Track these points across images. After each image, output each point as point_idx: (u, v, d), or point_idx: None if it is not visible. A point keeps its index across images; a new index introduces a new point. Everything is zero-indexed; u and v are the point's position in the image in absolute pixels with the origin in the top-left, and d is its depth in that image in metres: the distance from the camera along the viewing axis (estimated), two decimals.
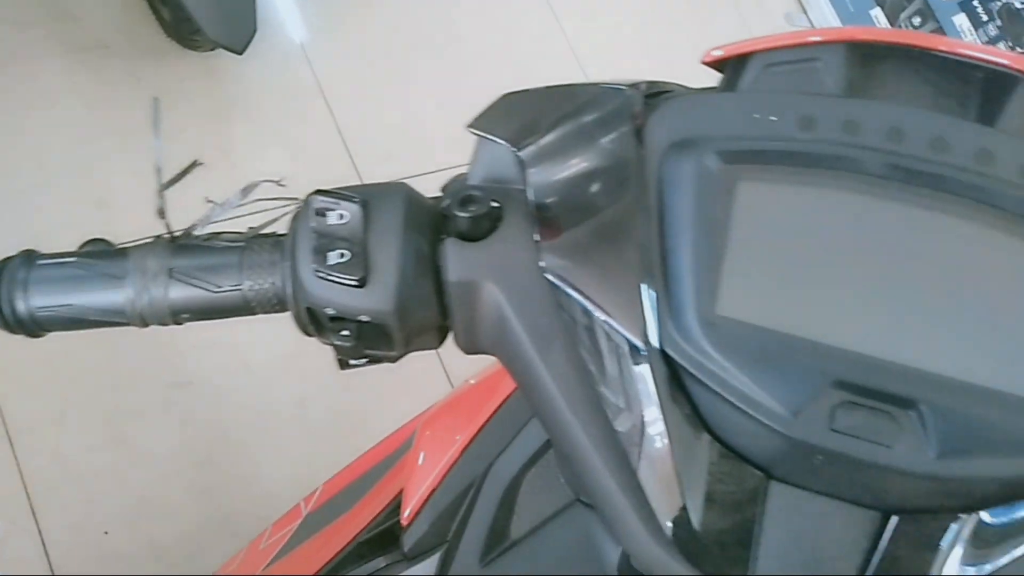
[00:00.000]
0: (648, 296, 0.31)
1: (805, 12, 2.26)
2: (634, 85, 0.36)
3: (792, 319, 0.31)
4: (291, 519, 0.73)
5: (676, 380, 0.31)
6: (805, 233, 0.31)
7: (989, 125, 0.32)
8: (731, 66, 0.36)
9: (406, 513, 0.62)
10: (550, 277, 0.33)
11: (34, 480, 1.16)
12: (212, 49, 1.37)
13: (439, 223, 0.35)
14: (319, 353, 0.39)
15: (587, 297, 0.32)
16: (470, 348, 0.37)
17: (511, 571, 0.56)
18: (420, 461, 0.64)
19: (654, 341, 0.31)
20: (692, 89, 0.36)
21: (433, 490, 0.62)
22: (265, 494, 1.23)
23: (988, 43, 1.99)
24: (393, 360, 0.37)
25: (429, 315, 0.35)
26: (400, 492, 0.63)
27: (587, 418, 0.33)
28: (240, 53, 1.25)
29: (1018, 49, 1.92)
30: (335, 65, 1.59)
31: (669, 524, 0.32)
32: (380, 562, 0.60)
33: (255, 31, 1.27)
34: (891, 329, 0.30)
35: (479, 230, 0.34)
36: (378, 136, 1.57)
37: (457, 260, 0.34)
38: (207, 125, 1.45)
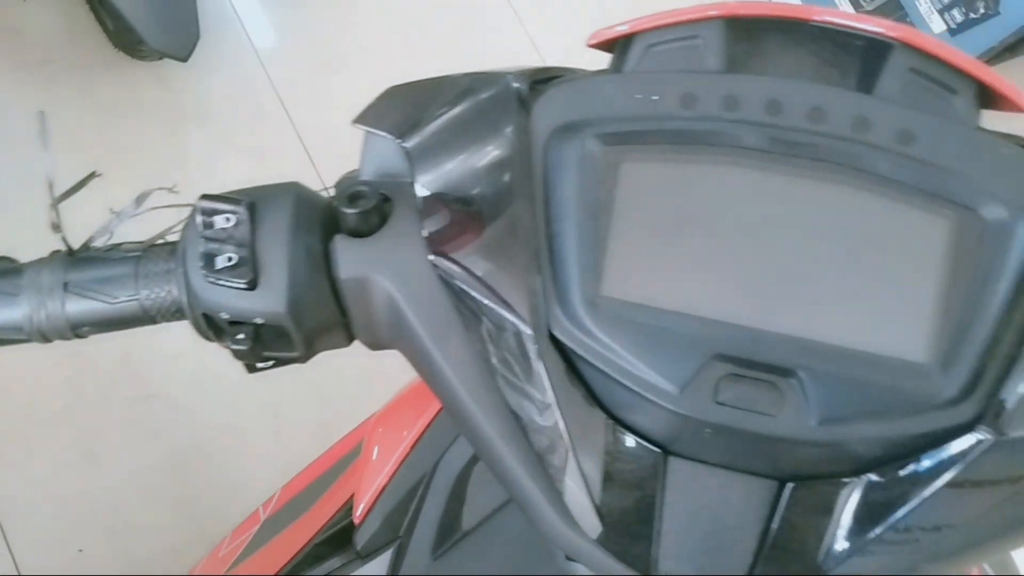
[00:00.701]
0: (535, 282, 0.31)
1: None
2: (523, 72, 0.36)
3: (675, 296, 0.31)
4: (250, 524, 0.73)
5: (569, 363, 0.32)
6: (687, 210, 0.32)
7: (867, 93, 0.33)
8: (618, 48, 0.36)
9: (358, 512, 0.62)
10: (440, 269, 0.33)
11: (3, 502, 1.15)
12: (160, 58, 1.36)
13: (330, 221, 0.35)
14: None
15: (477, 286, 0.32)
16: (373, 344, 0.37)
17: (463, 563, 0.57)
18: (371, 460, 0.65)
19: (542, 327, 0.31)
20: (580, 73, 0.36)
21: (384, 487, 0.63)
22: (241, 504, 1.22)
23: (942, 10, 2.00)
24: (301, 361, 0.37)
25: (326, 314, 0.35)
26: (354, 493, 0.64)
27: (489, 408, 0.33)
28: (185, 60, 1.24)
29: (971, 15, 1.94)
30: (289, 67, 1.58)
31: (577, 507, 0.32)
32: (335, 562, 0.61)
33: (198, 37, 1.26)
34: (771, 300, 0.30)
35: (368, 225, 0.34)
36: (338, 137, 1.56)
37: (347, 257, 0.34)
38: (161, 135, 1.43)
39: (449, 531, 0.58)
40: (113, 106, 1.42)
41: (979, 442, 0.28)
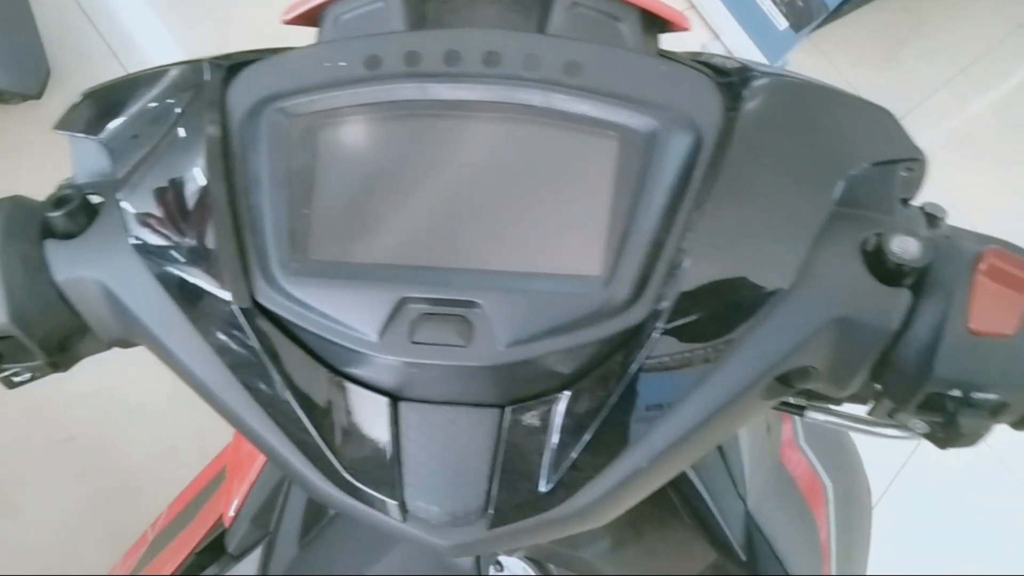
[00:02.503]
0: (236, 255, 0.32)
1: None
2: (224, 56, 0.37)
3: (366, 249, 0.32)
4: (140, 546, 0.73)
5: (284, 329, 0.33)
6: (374, 167, 0.33)
7: (540, 32, 0.34)
8: (319, 21, 0.37)
9: (229, 514, 0.63)
10: (146, 257, 0.34)
11: None
12: (21, 100, 1.32)
13: (45, 228, 0.36)
14: None
15: (184, 268, 0.33)
16: (119, 343, 0.38)
17: (328, 548, 0.58)
18: (239, 463, 0.65)
19: (245, 296, 0.32)
20: (274, 51, 0.37)
21: (252, 485, 0.63)
22: None
23: None
24: (59, 370, 0.38)
25: (59, 319, 0.36)
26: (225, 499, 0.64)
27: (226, 386, 0.34)
28: (38, 97, 1.21)
29: None
30: None
31: (325, 464, 0.33)
32: (213, 569, 0.61)
33: (48, 73, 1.23)
34: (453, 239, 0.32)
35: (78, 226, 0.35)
36: None
37: (58, 259, 0.35)
38: (36, 178, 1.40)
39: (315, 518, 0.59)
40: None
41: (652, 336, 0.30)
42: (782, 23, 2.13)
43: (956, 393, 0.30)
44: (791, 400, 0.40)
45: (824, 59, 2.42)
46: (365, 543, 0.57)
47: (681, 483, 0.52)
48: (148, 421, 1.29)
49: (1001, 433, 0.33)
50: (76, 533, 1.21)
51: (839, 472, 0.59)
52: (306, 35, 0.38)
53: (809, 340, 0.31)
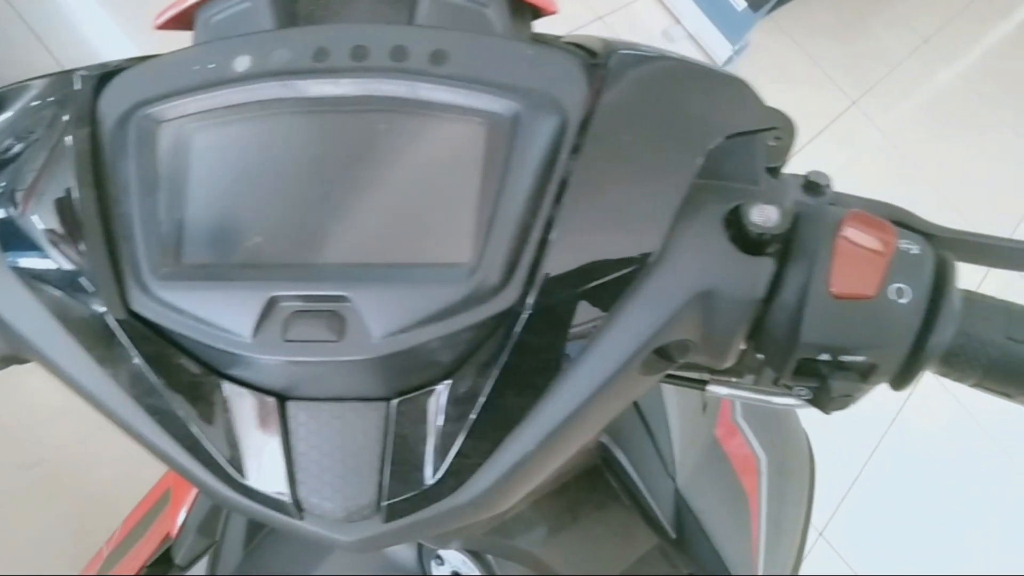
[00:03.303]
0: (108, 265, 0.32)
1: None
2: (97, 66, 0.37)
3: (238, 250, 0.32)
4: (95, 562, 0.73)
5: (164, 335, 0.32)
6: (246, 167, 0.33)
7: (409, 23, 0.34)
8: (193, 24, 0.36)
9: (177, 524, 0.63)
10: (21, 274, 0.33)
11: None
12: None
13: None
14: None
15: (58, 282, 0.33)
16: (13, 359, 0.37)
17: (272, 552, 0.58)
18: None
19: (119, 307, 0.32)
20: (148, 58, 0.37)
21: (197, 496, 0.63)
22: None
23: None
24: None
25: None
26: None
27: (113, 398, 0.34)
28: None
29: None
30: None
31: (220, 469, 0.33)
32: None
33: None
34: (322, 235, 0.32)
35: None
36: None
37: None
38: None
39: (258, 526, 0.59)
40: None
41: (522, 319, 0.30)
42: (740, 3, 2.14)
43: (826, 357, 0.30)
44: (692, 375, 0.41)
45: (786, 36, 2.43)
46: (310, 545, 0.57)
47: (613, 464, 0.53)
48: (118, 439, 1.28)
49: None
50: (51, 556, 1.21)
51: (775, 445, 0.59)
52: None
53: (678, 314, 0.31)
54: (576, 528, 0.54)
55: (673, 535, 0.50)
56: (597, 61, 0.34)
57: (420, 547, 0.55)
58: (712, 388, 0.40)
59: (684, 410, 0.55)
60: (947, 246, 0.37)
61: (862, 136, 2.37)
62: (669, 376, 0.40)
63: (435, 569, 0.55)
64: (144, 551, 0.65)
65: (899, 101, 2.55)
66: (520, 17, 0.36)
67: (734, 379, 0.40)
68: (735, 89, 0.34)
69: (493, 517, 0.52)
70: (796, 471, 0.62)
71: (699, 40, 2.23)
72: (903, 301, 0.29)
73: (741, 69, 2.22)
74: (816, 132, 2.26)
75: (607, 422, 0.35)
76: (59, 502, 1.24)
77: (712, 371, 0.41)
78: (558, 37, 0.37)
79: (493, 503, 0.34)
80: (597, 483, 0.54)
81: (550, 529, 0.54)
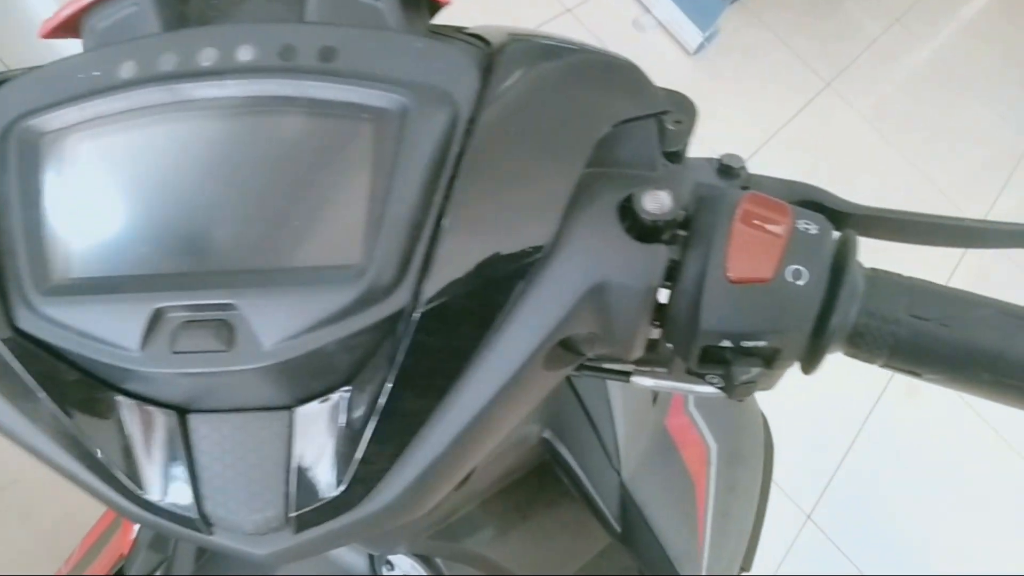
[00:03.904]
0: None
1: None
2: None
3: (123, 261, 0.31)
4: None
5: (53, 352, 0.32)
6: (130, 175, 0.32)
7: (299, 20, 0.33)
8: (80, 32, 0.36)
9: (130, 538, 0.62)
10: None
11: None
12: None
13: None
14: None
15: None
16: None
17: (224, 563, 0.57)
18: None
19: (4, 326, 0.31)
20: (32, 69, 0.36)
21: None
22: None
23: None
24: None
25: None
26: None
27: (13, 421, 0.33)
28: None
29: None
30: None
31: (125, 487, 0.32)
32: None
33: None
34: (208, 241, 0.31)
35: None
36: None
37: None
38: None
39: None
40: None
41: (415, 319, 0.29)
42: None
43: (727, 344, 0.30)
44: (616, 368, 0.40)
45: (757, 20, 2.42)
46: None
47: (559, 460, 0.52)
48: None
49: None
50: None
51: (728, 433, 0.59)
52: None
53: (576, 308, 0.30)
54: (526, 527, 0.54)
55: (618, 529, 0.50)
56: (491, 51, 0.33)
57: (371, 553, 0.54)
58: (636, 380, 0.39)
59: (631, 401, 0.54)
60: (865, 224, 0.37)
61: (838, 117, 2.36)
62: (592, 369, 0.40)
63: (385, 572, 0.54)
64: (101, 567, 0.64)
65: (874, 81, 2.55)
66: (415, 10, 0.35)
67: (658, 369, 0.39)
68: (625, 74, 0.33)
69: (435, 520, 0.52)
70: (749, 459, 0.61)
71: (669, 28, 2.22)
72: (800, 283, 0.29)
73: (713, 56, 2.21)
74: (791, 115, 2.26)
75: (520, 419, 0.34)
76: (33, 521, 1.23)
77: (638, 362, 0.40)
78: (459, 29, 0.37)
79: (408, 509, 0.33)
80: (547, 480, 0.53)
81: (499, 529, 0.53)
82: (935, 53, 2.85)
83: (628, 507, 0.50)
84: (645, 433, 0.55)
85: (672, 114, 0.34)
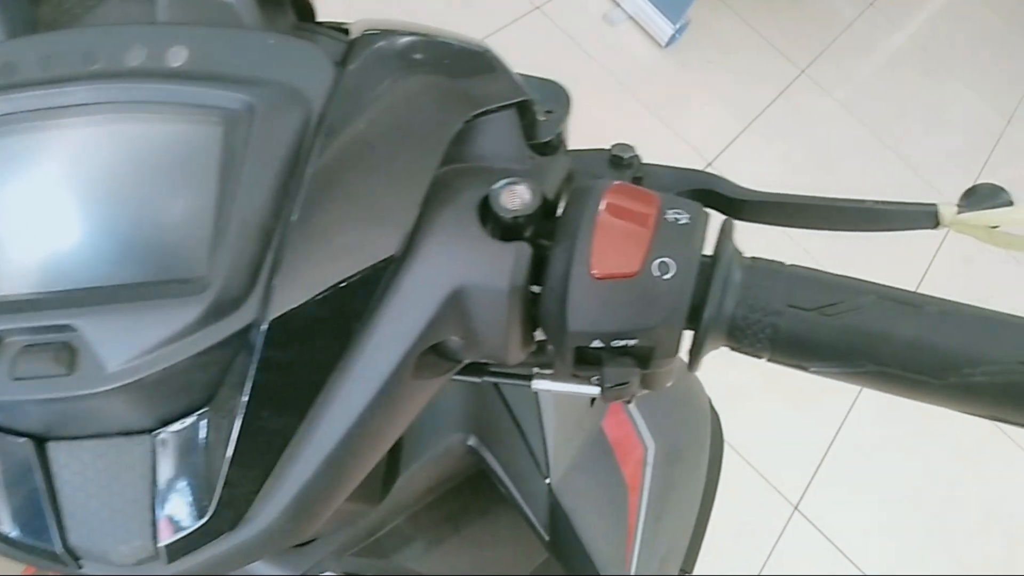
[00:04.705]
0: None
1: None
2: None
3: None
4: None
5: None
6: None
7: (155, 22, 0.32)
8: None
9: None
10: None
11: None
12: None
13: None
14: None
15: None
16: None
17: None
18: None
19: None
20: None
21: None
22: None
23: None
24: None
25: None
26: None
27: None
28: None
29: None
30: None
31: None
32: None
33: None
34: (48, 260, 0.29)
35: None
36: None
37: None
38: None
39: None
40: None
41: (264, 333, 0.28)
42: None
43: (599, 344, 0.28)
44: (517, 371, 0.38)
45: (728, 9, 2.41)
46: None
47: (486, 468, 0.50)
48: None
49: None
50: None
51: (669, 431, 0.57)
52: None
53: (438, 314, 0.28)
54: (459, 538, 0.52)
55: (547, 537, 0.48)
56: (346, 46, 0.31)
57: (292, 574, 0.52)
58: (536, 383, 0.37)
59: (563, 405, 0.53)
60: (762, 210, 0.35)
61: (814, 105, 2.35)
62: (492, 374, 0.38)
63: None
64: None
65: (850, 67, 2.54)
66: (274, 8, 0.33)
67: (546, 371, 0.38)
68: (479, 64, 0.32)
69: (360, 536, 0.50)
70: (691, 457, 0.59)
71: (639, 21, 2.20)
72: (667, 276, 0.27)
73: (685, 48, 2.19)
74: (765, 104, 2.24)
75: (403, 429, 0.32)
76: None
77: (540, 365, 0.38)
78: (321, 24, 0.35)
79: (291, 532, 0.31)
80: (480, 489, 0.52)
81: (429, 542, 0.51)
82: (910, 37, 2.83)
83: (556, 514, 0.48)
84: (579, 436, 0.53)
85: (541, 104, 0.32)
